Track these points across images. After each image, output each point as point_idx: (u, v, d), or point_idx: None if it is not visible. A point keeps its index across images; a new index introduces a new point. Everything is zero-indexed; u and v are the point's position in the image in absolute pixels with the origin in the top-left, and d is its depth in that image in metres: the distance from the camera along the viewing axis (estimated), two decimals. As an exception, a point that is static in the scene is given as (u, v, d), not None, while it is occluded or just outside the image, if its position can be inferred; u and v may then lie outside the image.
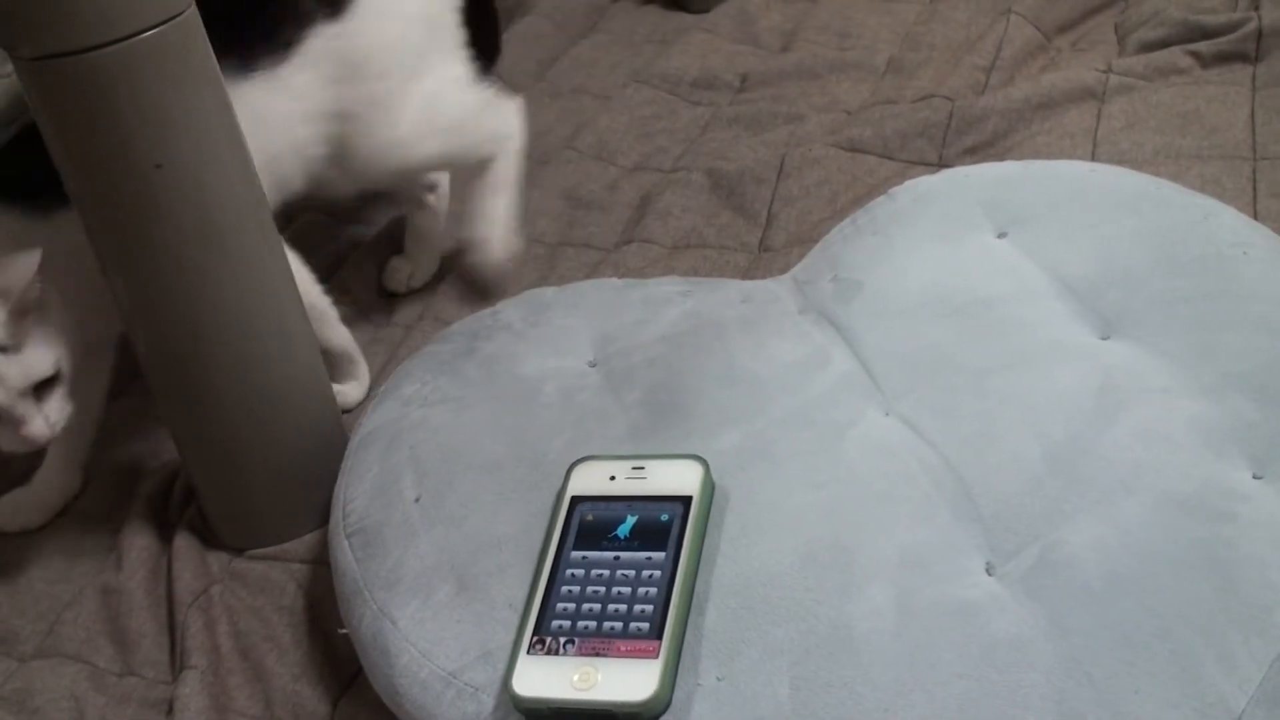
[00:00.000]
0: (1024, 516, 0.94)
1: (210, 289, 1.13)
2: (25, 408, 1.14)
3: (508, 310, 1.27)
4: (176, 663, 1.15)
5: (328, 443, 1.26)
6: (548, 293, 1.29)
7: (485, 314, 1.28)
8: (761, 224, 1.56)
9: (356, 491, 1.12)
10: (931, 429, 1.02)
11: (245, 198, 1.14)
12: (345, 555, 1.08)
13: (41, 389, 1.15)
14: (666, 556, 0.94)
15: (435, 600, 1.00)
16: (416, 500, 1.08)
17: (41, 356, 1.14)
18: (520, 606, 0.96)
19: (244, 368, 1.18)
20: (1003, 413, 1.02)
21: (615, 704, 0.88)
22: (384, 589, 1.03)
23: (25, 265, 1.11)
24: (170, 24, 1.02)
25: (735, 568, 0.95)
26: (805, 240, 1.47)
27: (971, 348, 1.09)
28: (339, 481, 1.15)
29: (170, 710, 1.10)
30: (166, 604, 1.22)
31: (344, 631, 1.07)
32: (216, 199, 1.10)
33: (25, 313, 1.12)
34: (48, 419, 1.15)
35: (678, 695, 0.89)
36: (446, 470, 1.09)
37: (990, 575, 0.91)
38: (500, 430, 1.11)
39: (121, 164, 1.05)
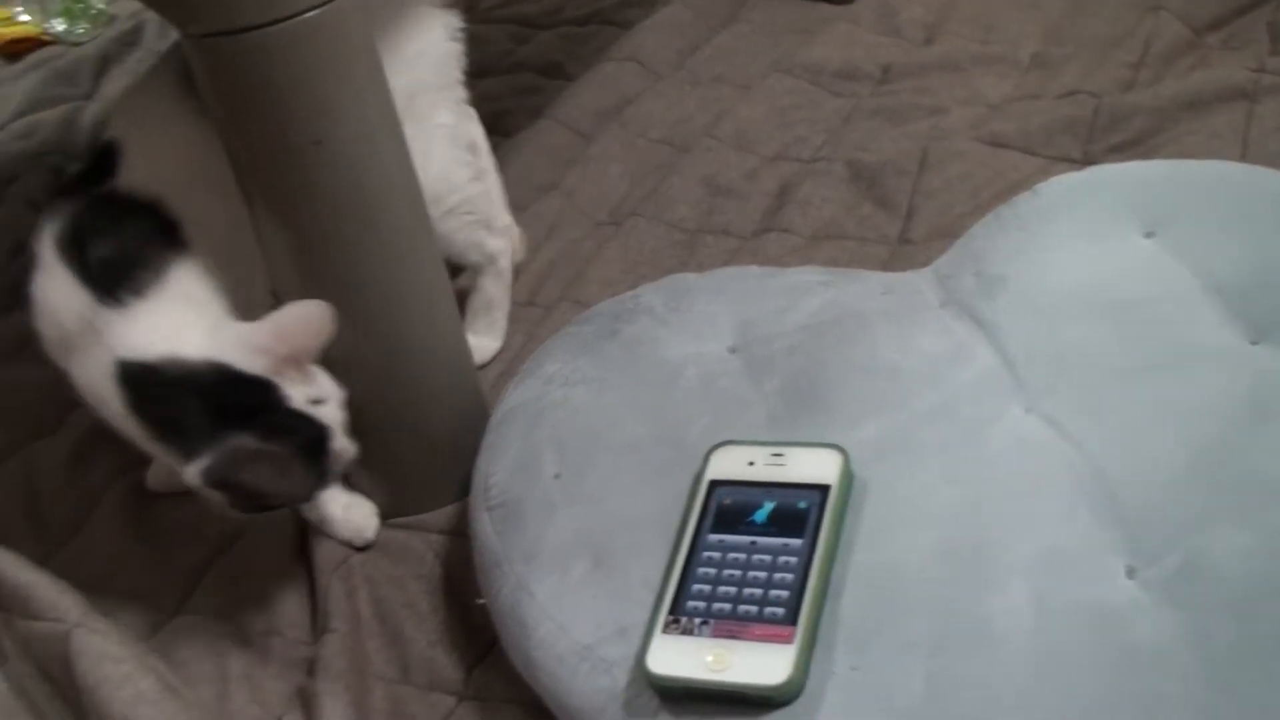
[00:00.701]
0: (1167, 521, 0.93)
1: (361, 264, 1.16)
2: (345, 440, 1.16)
3: (649, 294, 1.28)
4: (318, 625, 1.18)
5: (470, 419, 1.28)
6: (689, 278, 1.30)
7: (626, 297, 1.29)
8: (902, 216, 1.56)
9: (498, 466, 1.14)
10: (1075, 428, 1.01)
11: (399, 176, 1.16)
12: (485, 528, 1.10)
13: None
14: (803, 543, 0.95)
15: (573, 575, 1.02)
16: (556, 477, 1.09)
17: (332, 385, 1.15)
18: (656, 586, 0.97)
19: (391, 343, 1.21)
20: (1148, 415, 1.01)
21: (749, 686, 0.89)
22: (523, 562, 1.05)
23: (321, 319, 1.11)
24: (330, 5, 1.04)
25: (872, 558, 0.96)
26: (946, 234, 1.46)
27: (1117, 347, 1.08)
28: (481, 456, 1.17)
29: (311, 670, 1.13)
30: (308, 570, 1.25)
31: (481, 602, 1.09)
32: (371, 176, 1.12)
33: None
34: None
35: (810, 682, 0.89)
36: (586, 449, 1.11)
37: (1131, 579, 0.90)
38: (640, 412, 1.13)
39: (281, 139, 1.08)
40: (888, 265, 1.47)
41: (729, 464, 1.03)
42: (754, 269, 1.31)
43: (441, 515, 1.28)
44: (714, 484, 1.02)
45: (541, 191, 1.74)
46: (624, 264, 1.57)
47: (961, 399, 1.07)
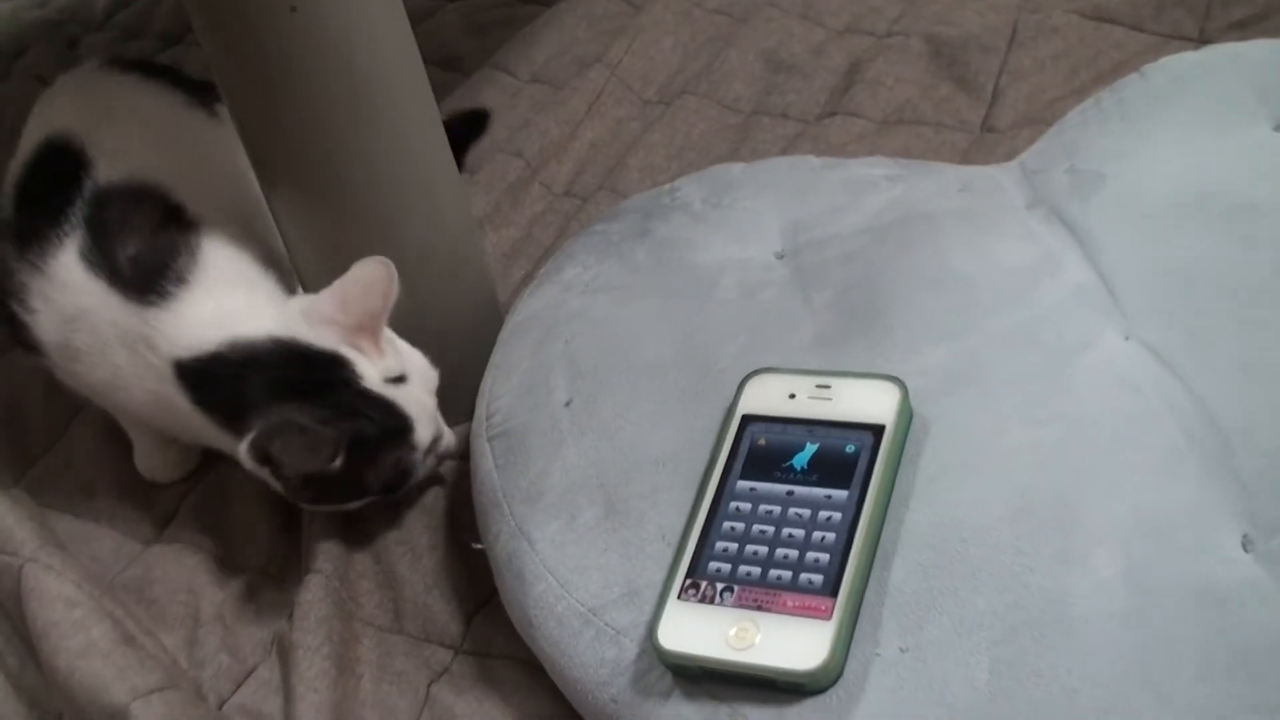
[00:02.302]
0: (1296, 480, 0.76)
1: (353, 149, 1.01)
2: (441, 426, 1.04)
3: (687, 187, 1.12)
4: (303, 564, 1.04)
5: (483, 326, 1.13)
6: (734, 169, 1.13)
7: (662, 190, 1.13)
8: (986, 100, 1.37)
9: (503, 388, 0.99)
10: (1183, 360, 0.84)
11: (392, 50, 1.00)
12: (485, 460, 0.96)
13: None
14: (849, 496, 0.79)
15: (580, 522, 0.87)
16: (567, 404, 0.94)
17: (421, 363, 1.03)
18: (675, 539, 0.82)
19: (389, 238, 1.05)
20: (1274, 345, 0.83)
21: (775, 670, 0.74)
22: (524, 503, 0.91)
23: (386, 278, 0.98)
24: None
25: (931, 516, 0.80)
26: (1037, 122, 1.28)
27: (1239, 263, 0.90)
28: (486, 375, 1.03)
29: (291, 615, 1.00)
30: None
31: (479, 547, 0.95)
32: (360, 49, 0.96)
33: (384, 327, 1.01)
34: (446, 425, 1.06)
35: (851, 665, 0.75)
36: (603, 370, 0.96)
37: (1248, 552, 0.74)
38: (667, 327, 0.97)
39: (254, 4, 0.92)
40: (968, 157, 1.29)
41: (766, 396, 0.87)
42: (810, 159, 1.14)
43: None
44: (747, 419, 0.86)
45: (583, 65, 1.56)
46: (669, 150, 1.40)
47: (1047, 321, 0.90)
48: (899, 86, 1.41)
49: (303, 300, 1.01)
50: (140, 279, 0.99)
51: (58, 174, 1.05)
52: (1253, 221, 0.93)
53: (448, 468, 1.10)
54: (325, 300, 0.99)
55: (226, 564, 1.08)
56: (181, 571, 1.07)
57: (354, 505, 1.01)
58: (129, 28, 1.96)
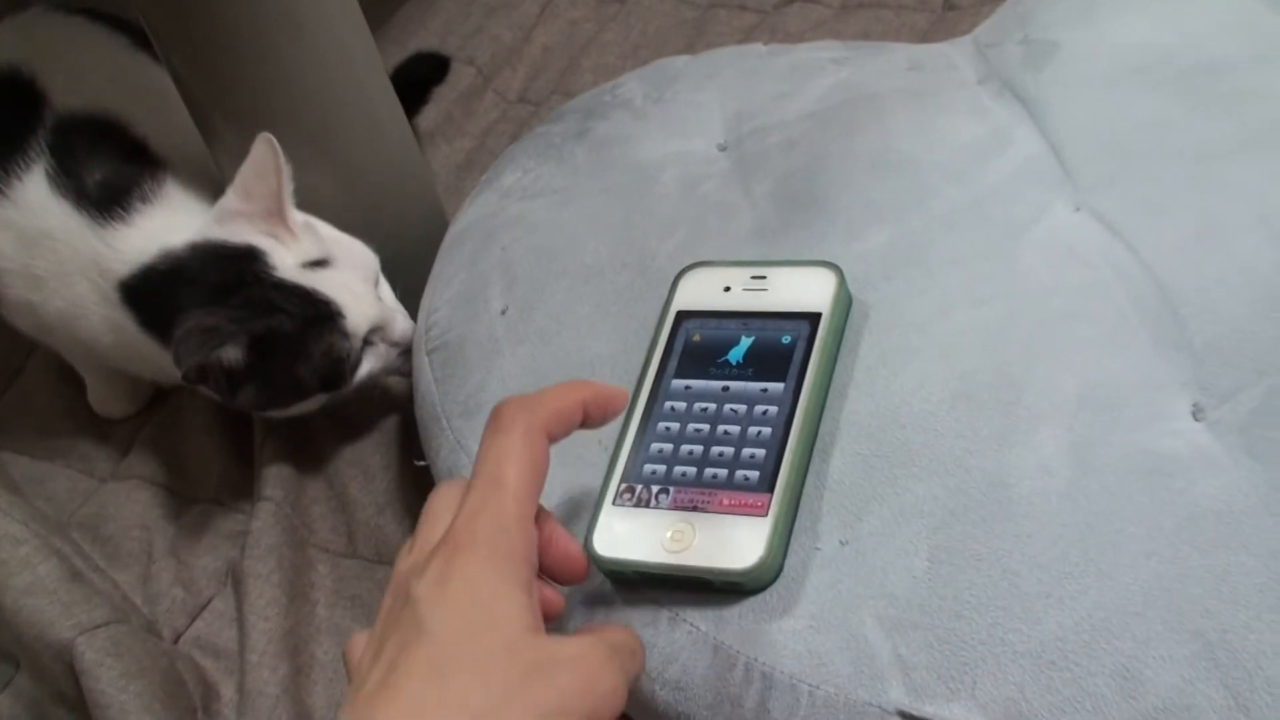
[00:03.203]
0: (1248, 345, 0.72)
1: (283, 71, 0.98)
2: (383, 311, 1.00)
3: (630, 83, 1.08)
4: (254, 493, 1.02)
5: (431, 240, 1.09)
6: (678, 62, 1.09)
7: (605, 88, 1.09)
8: (948, -23, 1.32)
9: (441, 300, 0.97)
10: (1134, 228, 0.81)
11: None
12: (425, 375, 0.93)
13: None
14: (786, 389, 0.76)
15: (517, 432, 0.85)
16: (503, 312, 0.92)
17: (353, 247, 1.00)
18: (611, 443, 0.80)
19: (326, 160, 1.02)
20: (1230, 209, 0.80)
21: (712, 571, 0.71)
22: (462, 417, 0.88)
23: (269, 154, 0.94)
24: None
25: (870, 404, 0.77)
26: (1000, -2, 1.23)
27: (1194, 125, 0.86)
28: (427, 288, 1.00)
29: (243, 545, 0.98)
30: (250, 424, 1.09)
31: (421, 464, 0.93)
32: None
33: (291, 205, 0.98)
34: (401, 310, 1.02)
35: (791, 561, 0.72)
36: (540, 276, 0.93)
37: (1198, 421, 0.71)
38: (605, 228, 0.94)
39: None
40: (927, 37, 1.25)
41: (700, 290, 0.84)
42: (757, 47, 1.09)
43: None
44: (681, 316, 0.83)
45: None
46: (624, 49, 1.37)
47: (995, 196, 0.86)
48: (859, -31, 1.36)
49: (219, 202, 0.99)
50: (106, 201, 0.99)
51: (10, 105, 1.04)
52: (1212, 81, 0.89)
53: (397, 385, 1.08)
54: (230, 195, 0.96)
55: (180, 497, 1.07)
56: (135, 507, 1.06)
57: (305, 406, 0.98)
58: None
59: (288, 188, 0.95)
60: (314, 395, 0.97)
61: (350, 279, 0.97)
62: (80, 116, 1.03)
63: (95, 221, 0.98)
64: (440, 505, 0.59)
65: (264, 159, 0.94)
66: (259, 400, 0.97)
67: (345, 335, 0.96)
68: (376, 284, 1.00)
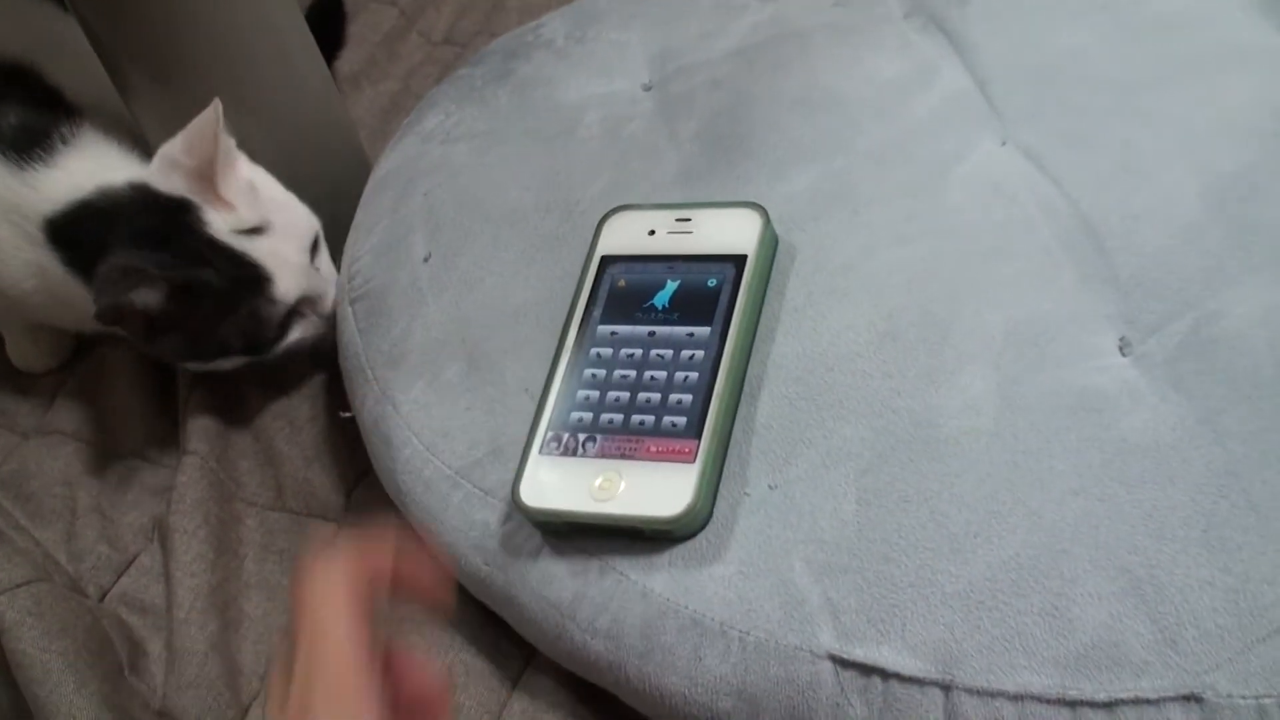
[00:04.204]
0: (1173, 277, 0.73)
1: (192, 14, 0.95)
2: (316, 283, 0.97)
3: (553, 22, 1.06)
4: (180, 447, 1.00)
5: (353, 187, 1.07)
6: (600, 1, 1.07)
7: (527, 29, 1.07)
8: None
9: (363, 248, 0.95)
10: (1059, 162, 0.80)
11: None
12: (349, 325, 0.92)
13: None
14: (712, 332, 0.75)
15: (442, 382, 0.84)
16: (426, 260, 0.90)
17: (294, 216, 0.97)
18: (538, 392, 0.78)
19: (242, 106, 1.00)
20: (1152, 139, 0.79)
21: (641, 519, 0.71)
22: (387, 366, 0.87)
23: (211, 117, 0.91)
24: None
25: (797, 346, 0.76)
26: (927, -72, 1.21)
27: (1118, 55, 0.86)
28: (349, 236, 0.98)
29: (169, 501, 0.96)
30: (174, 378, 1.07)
31: (347, 415, 0.91)
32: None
33: (233, 172, 0.95)
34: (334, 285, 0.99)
35: (720, 508, 0.72)
36: (462, 222, 0.91)
37: (1124, 355, 0.71)
38: (528, 172, 0.92)
39: None
40: (855, -30, 1.23)
41: (625, 234, 0.82)
42: (681, -16, 1.07)
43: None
44: (606, 260, 0.82)
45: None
46: (551, -14, 1.33)
47: (921, 133, 0.85)
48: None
49: (164, 147, 0.96)
50: (24, 144, 0.96)
51: None
52: (1135, 9, 0.88)
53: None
54: (174, 144, 0.93)
55: (104, 452, 1.04)
56: (58, 463, 1.03)
57: (227, 364, 0.97)
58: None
59: (226, 158, 0.93)
60: (236, 355, 0.95)
61: (284, 247, 0.94)
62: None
63: (14, 164, 0.95)
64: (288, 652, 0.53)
65: (205, 125, 0.91)
66: (177, 350, 0.95)
67: (272, 301, 0.93)
68: (315, 252, 0.97)
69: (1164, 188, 0.77)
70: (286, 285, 0.94)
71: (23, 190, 0.95)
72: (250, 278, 0.92)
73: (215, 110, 0.90)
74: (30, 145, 0.96)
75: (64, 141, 0.97)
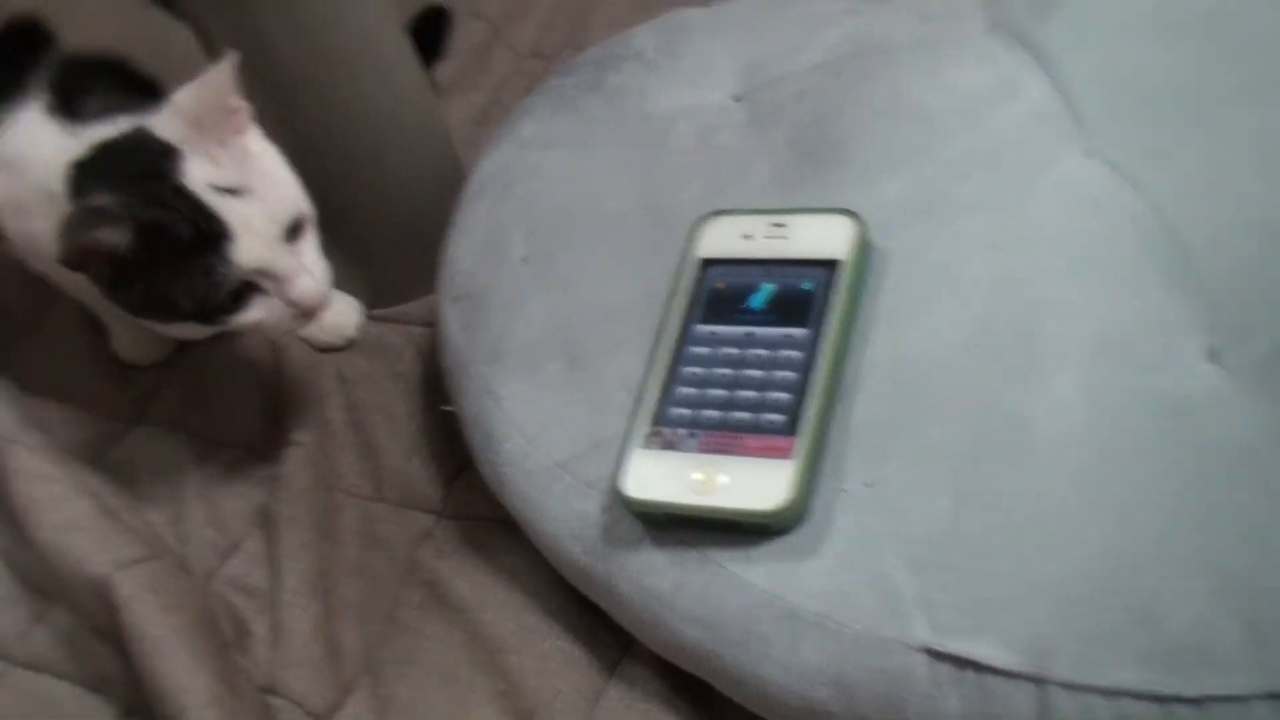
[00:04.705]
0: (1261, 288, 0.75)
1: (296, 23, 1.00)
2: (286, 262, 0.91)
3: (642, 35, 1.09)
4: (282, 438, 1.04)
5: (447, 190, 1.10)
6: (689, 14, 1.10)
7: (616, 40, 1.10)
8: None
9: (463, 250, 0.98)
10: (1145, 173, 0.82)
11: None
12: (450, 323, 0.95)
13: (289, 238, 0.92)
14: (809, 333, 0.78)
15: (543, 378, 0.87)
16: (524, 260, 0.93)
17: (280, 191, 0.92)
18: (636, 388, 0.81)
19: (338, 107, 1.04)
20: (1241, 153, 0.81)
21: (739, 512, 0.74)
22: (488, 362, 0.90)
23: (222, 77, 0.89)
24: None
25: (891, 349, 0.79)
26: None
27: (1204, 70, 0.87)
28: (448, 238, 1.01)
29: (273, 489, 1.00)
30: (277, 374, 1.11)
31: (449, 409, 0.94)
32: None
33: (237, 136, 0.92)
34: (312, 273, 0.92)
35: (817, 503, 0.74)
36: (560, 225, 0.94)
37: (1212, 363, 0.73)
38: (624, 178, 0.95)
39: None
40: (937, -14, 1.25)
41: (721, 238, 0.86)
42: (766, -1, 1.11)
43: (424, 305, 1.12)
44: (704, 262, 0.85)
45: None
46: (633, 2, 1.36)
47: (1006, 143, 0.88)
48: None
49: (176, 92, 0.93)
50: (91, 109, 0.95)
51: (16, 52, 1.00)
52: (1220, 27, 0.90)
53: (420, 335, 1.10)
54: (182, 93, 0.91)
55: (208, 441, 1.08)
56: (164, 451, 1.07)
57: (183, 332, 0.95)
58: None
59: (228, 116, 0.90)
60: (185, 318, 0.91)
61: (256, 213, 0.90)
62: (86, 56, 1.00)
63: (77, 128, 0.94)
64: None
65: (218, 75, 0.89)
66: (135, 302, 0.91)
67: (227, 261, 0.88)
68: (293, 234, 0.92)
69: (1249, 200, 0.79)
70: (245, 250, 0.89)
71: (74, 146, 0.93)
72: (210, 233, 0.88)
73: (230, 63, 0.89)
74: (101, 106, 0.95)
75: (129, 113, 0.94)
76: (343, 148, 1.07)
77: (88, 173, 0.91)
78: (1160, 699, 0.63)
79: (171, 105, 0.91)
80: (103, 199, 0.88)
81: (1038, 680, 0.65)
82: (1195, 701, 0.63)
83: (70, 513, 0.97)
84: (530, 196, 0.97)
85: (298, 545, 0.95)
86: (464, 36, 1.40)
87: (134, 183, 0.89)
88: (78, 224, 0.85)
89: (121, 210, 0.86)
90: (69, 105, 0.96)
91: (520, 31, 1.40)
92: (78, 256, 0.86)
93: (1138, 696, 0.63)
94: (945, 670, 0.68)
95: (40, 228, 0.93)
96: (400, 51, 1.08)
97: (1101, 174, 0.84)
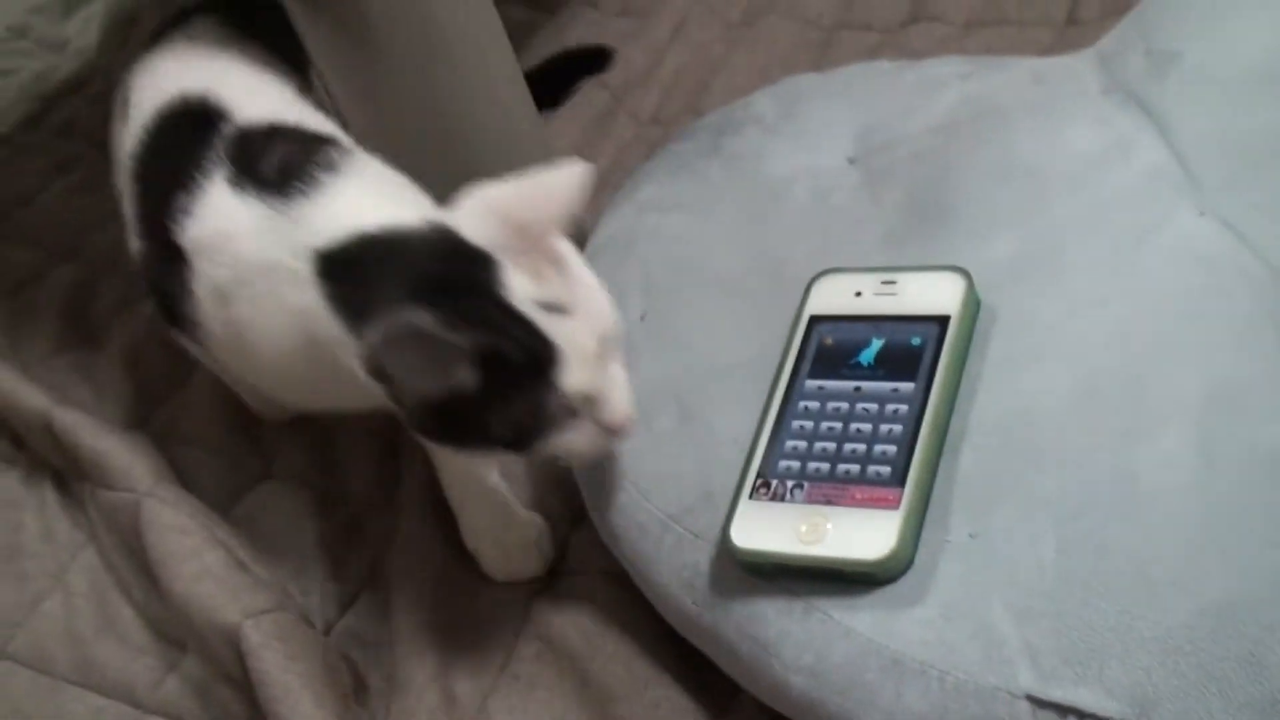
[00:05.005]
0: (1373, 341, 0.74)
1: (433, 93, 1.05)
2: (606, 384, 0.82)
3: (761, 101, 1.11)
4: (404, 495, 1.08)
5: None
6: (807, 79, 1.13)
7: (736, 106, 1.13)
8: (1071, -8, 1.34)
9: (582, 308, 1.01)
10: (1258, 232, 0.82)
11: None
12: (567, 379, 0.98)
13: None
14: (916, 388, 0.80)
15: (656, 432, 0.89)
16: (642, 318, 0.96)
17: (599, 306, 0.83)
18: (747, 443, 0.83)
19: (470, 178, 1.08)
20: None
21: (846, 561, 0.75)
22: (604, 417, 0.92)
23: (573, 186, 0.82)
24: None
25: (998, 402, 0.80)
26: (1124, 10, 1.23)
27: (1317, 129, 0.87)
28: (568, 297, 1.04)
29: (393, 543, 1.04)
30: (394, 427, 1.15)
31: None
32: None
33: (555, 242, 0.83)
34: (624, 392, 0.84)
35: (921, 553, 0.75)
36: (676, 284, 0.97)
37: (1324, 416, 0.73)
38: (739, 239, 0.98)
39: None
40: (1050, 52, 1.26)
41: (833, 295, 0.87)
42: (882, 64, 1.13)
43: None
44: (814, 320, 0.87)
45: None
46: (752, 70, 1.40)
47: (1118, 203, 0.88)
48: (981, -13, 1.39)
49: (482, 188, 0.85)
50: (286, 177, 0.88)
51: (191, 135, 0.96)
52: (1333, 82, 0.90)
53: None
54: (503, 189, 0.84)
55: (331, 496, 1.12)
56: (288, 505, 1.12)
57: (476, 452, 0.89)
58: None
59: (562, 226, 0.83)
60: (497, 446, 0.83)
61: (583, 333, 0.81)
62: (258, 125, 0.96)
63: (277, 200, 0.87)
64: None
65: (559, 186, 0.82)
66: (440, 429, 0.83)
67: (557, 390, 0.80)
68: (610, 351, 0.84)
69: (1363, 254, 0.78)
70: (577, 376, 0.80)
71: (286, 225, 0.87)
72: (541, 355, 0.79)
73: (586, 174, 0.82)
74: (295, 174, 0.89)
75: (331, 167, 0.89)
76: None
77: (353, 268, 0.83)
78: (1265, 748, 0.63)
79: (486, 205, 0.83)
80: (419, 316, 0.75)
81: (1142, 729, 0.65)
82: (1301, 751, 0.62)
83: (203, 564, 1.01)
84: (648, 257, 1.00)
85: (414, 597, 0.98)
86: (587, 104, 1.44)
87: (453, 297, 0.79)
88: (409, 356, 0.76)
89: (464, 342, 0.76)
90: (250, 173, 0.91)
91: (641, 99, 1.44)
92: (418, 397, 0.79)
93: (1242, 746, 0.63)
94: (1048, 718, 0.68)
95: (248, 313, 0.89)
96: (529, 121, 1.13)
97: (1216, 232, 0.84)
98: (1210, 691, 0.65)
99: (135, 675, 1.05)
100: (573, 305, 0.81)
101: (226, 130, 0.95)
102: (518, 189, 0.83)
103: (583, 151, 1.38)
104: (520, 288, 0.80)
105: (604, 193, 1.30)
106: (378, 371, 0.78)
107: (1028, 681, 0.69)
